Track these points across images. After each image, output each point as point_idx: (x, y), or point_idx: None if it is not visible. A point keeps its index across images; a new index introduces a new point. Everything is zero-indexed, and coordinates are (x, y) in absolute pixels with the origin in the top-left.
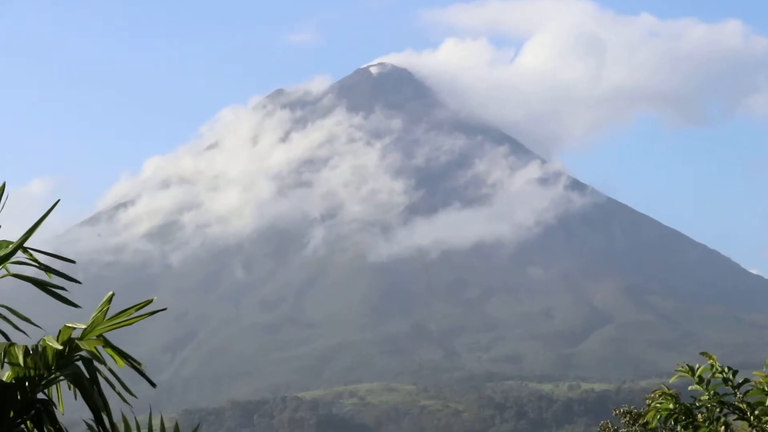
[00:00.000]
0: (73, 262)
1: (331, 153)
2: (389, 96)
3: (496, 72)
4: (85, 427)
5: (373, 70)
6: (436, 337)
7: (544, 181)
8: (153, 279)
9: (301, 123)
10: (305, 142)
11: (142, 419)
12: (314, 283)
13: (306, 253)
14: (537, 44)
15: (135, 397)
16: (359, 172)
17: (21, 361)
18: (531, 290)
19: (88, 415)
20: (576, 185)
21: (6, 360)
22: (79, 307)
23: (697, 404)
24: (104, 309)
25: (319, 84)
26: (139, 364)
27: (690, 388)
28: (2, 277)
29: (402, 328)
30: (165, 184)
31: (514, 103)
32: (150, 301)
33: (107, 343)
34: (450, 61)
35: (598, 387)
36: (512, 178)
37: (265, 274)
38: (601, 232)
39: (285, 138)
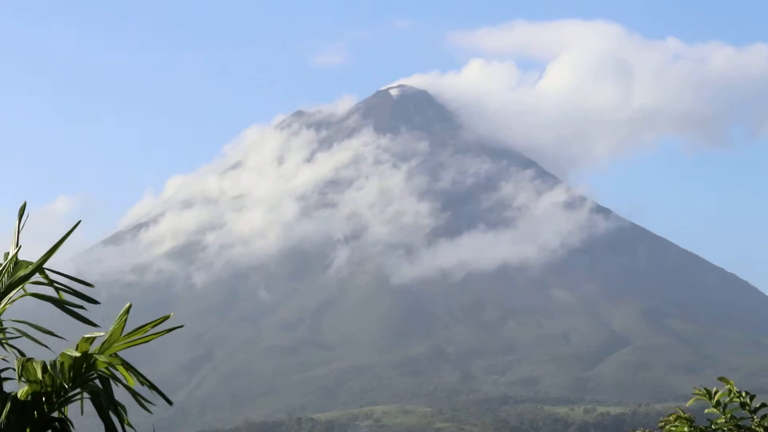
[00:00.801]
0: (91, 286)
1: (357, 174)
2: (409, 118)
3: (521, 95)
4: None
5: (393, 93)
6: (453, 359)
7: (569, 204)
8: (174, 299)
9: (326, 143)
10: (330, 162)
11: None
12: (334, 305)
13: (329, 274)
14: (562, 67)
15: (151, 413)
16: (384, 194)
17: (39, 376)
18: (550, 313)
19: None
20: (600, 209)
21: (24, 377)
22: (98, 326)
23: (713, 427)
24: (123, 320)
25: (344, 104)
26: (157, 388)
27: (706, 411)
28: (20, 297)
29: (420, 350)
30: (188, 204)
31: (540, 127)
32: (167, 318)
33: (123, 362)
34: (473, 84)
35: (614, 410)
36: (537, 202)
37: (286, 295)
38: (623, 255)
39: (310, 158)
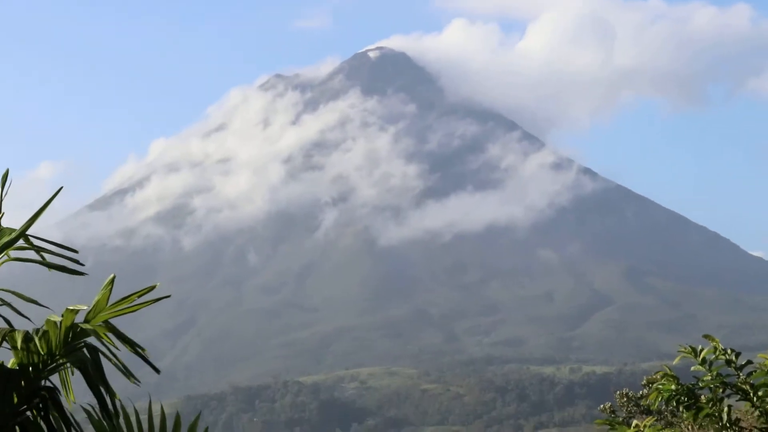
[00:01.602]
0: (75, 251)
1: (343, 136)
2: (389, 80)
3: (501, 55)
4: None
5: (372, 55)
6: (436, 321)
7: (556, 165)
8: (161, 264)
9: (311, 105)
10: (316, 124)
11: (143, 406)
12: (319, 267)
13: (316, 237)
14: (543, 27)
15: (138, 383)
16: (371, 156)
17: (19, 345)
18: (533, 273)
19: (90, 400)
20: (585, 170)
21: (10, 345)
22: (85, 274)
23: (699, 385)
24: (107, 292)
25: (327, 66)
26: (143, 349)
27: (692, 368)
28: (2, 262)
29: (403, 312)
30: (173, 168)
31: (521, 87)
32: (152, 288)
33: (113, 329)
34: (454, 45)
35: (599, 369)
36: (525, 163)
37: (273, 258)
38: (607, 216)
39: (296, 120)
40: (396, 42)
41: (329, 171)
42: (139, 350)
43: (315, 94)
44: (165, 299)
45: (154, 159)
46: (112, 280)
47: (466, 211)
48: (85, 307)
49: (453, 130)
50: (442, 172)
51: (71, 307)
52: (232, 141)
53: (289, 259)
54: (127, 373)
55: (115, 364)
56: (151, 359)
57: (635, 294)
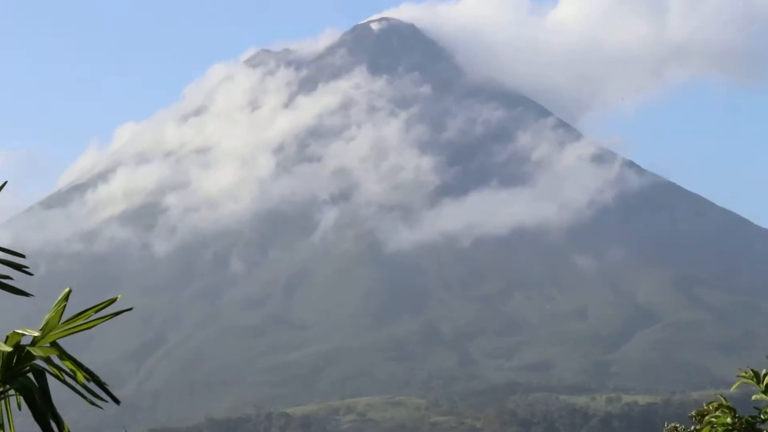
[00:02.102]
0: (22, 256)
1: (346, 122)
2: (397, 57)
3: (530, 28)
4: None
5: (374, 27)
6: (449, 340)
7: (597, 157)
8: (128, 273)
9: (308, 84)
10: (314, 107)
11: None
12: (311, 277)
13: (312, 241)
14: None
15: (101, 406)
16: (379, 146)
17: None
18: (564, 284)
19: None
20: (629, 163)
21: None
22: (31, 295)
23: (761, 417)
24: (60, 309)
25: (327, 39)
26: (96, 378)
27: (754, 397)
28: None
29: (410, 329)
30: (143, 158)
31: (556, 66)
32: (113, 300)
33: (62, 353)
34: (474, 16)
35: (642, 399)
36: (560, 155)
37: (260, 266)
38: (653, 217)
39: (289, 103)
40: (405, 11)
41: (328, 163)
42: (91, 378)
43: (311, 72)
44: (129, 313)
45: (120, 148)
46: (67, 295)
47: (490, 211)
48: (35, 332)
49: (475, 115)
50: (462, 165)
51: (18, 330)
52: (213, 127)
53: (279, 267)
54: (85, 397)
55: (71, 386)
56: (109, 386)
57: (686, 309)
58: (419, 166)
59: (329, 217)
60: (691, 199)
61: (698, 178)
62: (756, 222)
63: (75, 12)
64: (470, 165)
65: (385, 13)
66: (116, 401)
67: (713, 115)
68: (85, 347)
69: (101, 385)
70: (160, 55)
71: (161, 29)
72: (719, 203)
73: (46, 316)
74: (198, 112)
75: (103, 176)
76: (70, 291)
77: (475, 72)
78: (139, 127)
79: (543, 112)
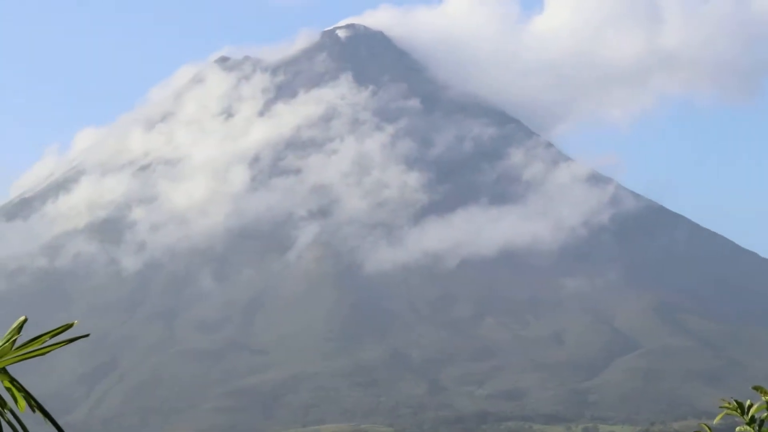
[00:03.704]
0: None
1: (327, 133)
2: (383, 67)
3: (518, 39)
4: None
5: (341, 34)
6: (418, 366)
7: (591, 177)
8: (89, 291)
9: (287, 91)
10: (293, 117)
11: None
12: (273, 298)
13: (288, 259)
14: (566, 3)
15: None
16: (362, 161)
17: None
18: (539, 308)
19: None
20: (623, 183)
21: None
22: None
23: None
24: (12, 339)
25: (303, 42)
26: (38, 407)
27: (738, 429)
28: None
29: (376, 354)
30: (107, 168)
31: (547, 79)
32: (69, 326)
33: (12, 381)
34: (456, 21)
35: (621, 430)
36: (553, 173)
37: (228, 286)
38: (632, 239)
39: (265, 110)
40: (383, 16)
41: (307, 177)
42: (37, 408)
43: (290, 78)
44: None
45: (82, 156)
46: (21, 326)
47: (478, 231)
48: None
49: (465, 131)
50: (450, 182)
51: None
52: (182, 135)
53: (247, 287)
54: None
55: (8, 422)
56: (58, 412)
57: (667, 335)
58: (405, 183)
59: (307, 234)
60: (679, 221)
61: (689, 198)
62: (744, 245)
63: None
64: (458, 183)
65: (357, 18)
66: (60, 430)
67: (707, 131)
68: (34, 369)
69: (48, 415)
70: (122, 52)
71: (121, 23)
72: (709, 225)
73: None
74: (165, 117)
75: (64, 186)
76: (24, 320)
77: (459, 86)
78: (101, 132)
79: (535, 129)
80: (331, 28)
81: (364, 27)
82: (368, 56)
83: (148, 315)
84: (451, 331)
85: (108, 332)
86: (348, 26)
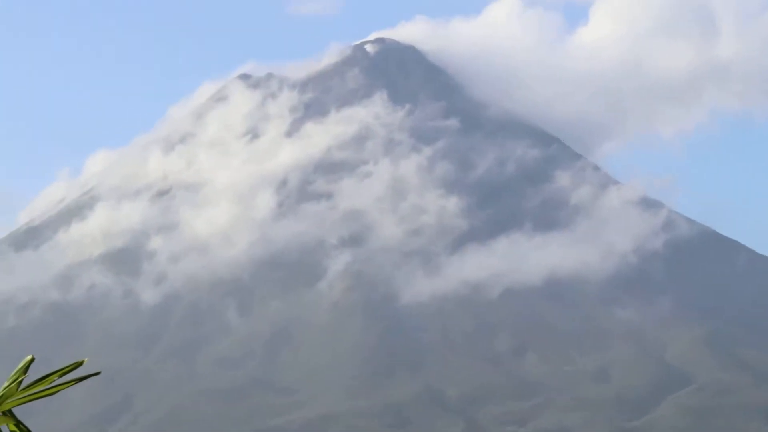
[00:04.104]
0: None
1: (361, 156)
2: (419, 84)
3: (561, 52)
4: None
5: (369, 48)
6: (455, 405)
7: (644, 201)
8: (104, 326)
9: (317, 110)
10: (324, 137)
11: None
12: (305, 333)
13: (320, 290)
14: (610, 10)
15: None
16: (398, 185)
17: None
18: (586, 342)
19: None
20: (678, 208)
21: None
22: None
23: None
24: (18, 380)
25: (333, 55)
26: None
27: None
28: None
29: (411, 392)
30: (123, 193)
31: (593, 97)
32: (80, 364)
33: (18, 424)
34: (494, 34)
35: None
36: (603, 198)
37: (253, 319)
38: (682, 267)
39: (293, 131)
40: (416, 29)
41: (339, 202)
42: None
43: (319, 95)
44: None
45: (95, 180)
46: (27, 366)
47: (522, 259)
48: None
49: (507, 152)
50: (492, 207)
51: None
52: (204, 158)
53: (273, 320)
54: None
55: None
56: None
57: (721, 369)
58: (444, 208)
59: (338, 263)
60: (736, 248)
61: (746, 223)
62: None
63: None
64: (500, 207)
65: (387, 32)
66: None
67: (767, 149)
68: (42, 410)
69: None
70: (137, 68)
71: (137, 37)
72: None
73: (5, 383)
74: (185, 138)
75: (76, 213)
76: (31, 360)
77: (499, 103)
78: (115, 155)
79: (581, 149)
80: (361, 42)
81: (396, 41)
82: (403, 72)
83: (165, 351)
84: (490, 366)
85: (122, 369)
86: (377, 40)
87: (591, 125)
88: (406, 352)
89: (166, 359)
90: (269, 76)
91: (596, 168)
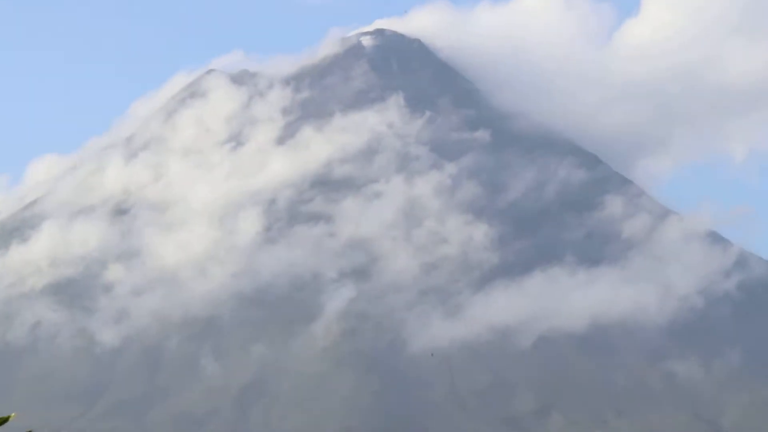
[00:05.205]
0: None
1: (369, 171)
2: (441, 87)
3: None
4: None
5: (366, 42)
6: None
7: (711, 235)
8: (37, 373)
9: (314, 112)
10: (324, 147)
11: None
12: (286, 386)
13: (313, 333)
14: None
15: None
16: (413, 208)
17: None
18: (627, 401)
19: None
20: (740, 244)
21: None
22: None
23: None
24: None
25: (334, 45)
26: None
27: None
28: None
29: None
30: (74, 211)
31: (647, 108)
32: (5, 420)
33: None
34: (528, 23)
35: None
36: (660, 230)
37: (228, 368)
38: (754, 314)
39: (286, 137)
40: (427, 19)
41: (340, 228)
42: None
43: (318, 95)
44: None
45: (36, 190)
46: None
47: (561, 299)
48: None
49: (546, 173)
50: (528, 238)
51: None
52: (175, 168)
53: (252, 368)
54: None
55: None
56: None
57: None
58: (471, 237)
59: (337, 301)
60: None
61: None
62: None
63: None
64: (538, 238)
65: (408, 23)
66: None
67: None
68: None
69: None
70: (93, 54)
71: (94, 16)
72: None
73: None
74: (151, 143)
75: (17, 233)
76: None
77: (537, 113)
78: (64, 161)
79: (632, 172)
80: (368, 30)
81: (394, 32)
82: (423, 71)
83: (113, 404)
84: (504, 430)
85: (58, 428)
86: (376, 32)
87: (642, 140)
88: (405, 412)
89: (113, 415)
90: (258, 70)
91: (652, 194)
